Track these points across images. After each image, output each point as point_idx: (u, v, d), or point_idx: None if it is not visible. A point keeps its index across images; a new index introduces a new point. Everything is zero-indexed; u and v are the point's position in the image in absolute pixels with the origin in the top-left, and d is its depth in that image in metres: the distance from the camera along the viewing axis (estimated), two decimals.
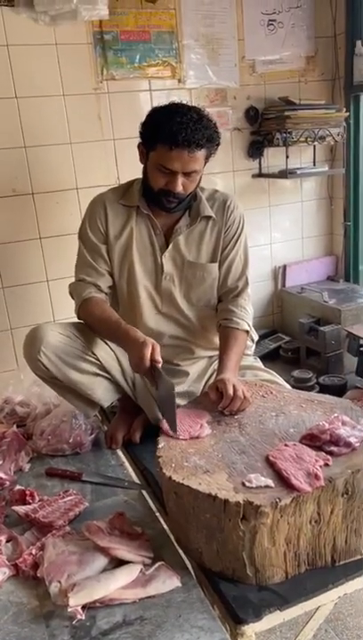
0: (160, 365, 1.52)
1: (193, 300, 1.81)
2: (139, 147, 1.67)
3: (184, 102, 1.64)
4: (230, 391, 1.47)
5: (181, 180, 1.59)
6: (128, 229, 1.74)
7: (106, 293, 1.80)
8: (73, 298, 1.80)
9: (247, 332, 1.77)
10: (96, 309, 1.72)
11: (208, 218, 1.75)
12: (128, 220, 1.74)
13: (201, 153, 1.57)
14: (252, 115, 2.89)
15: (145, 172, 1.69)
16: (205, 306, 1.82)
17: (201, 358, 1.89)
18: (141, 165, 1.70)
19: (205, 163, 1.64)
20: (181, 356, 1.86)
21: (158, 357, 1.51)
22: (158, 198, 1.65)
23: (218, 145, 1.63)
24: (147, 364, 1.49)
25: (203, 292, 1.80)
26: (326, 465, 1.20)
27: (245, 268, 1.83)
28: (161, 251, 1.76)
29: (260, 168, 2.99)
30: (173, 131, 1.51)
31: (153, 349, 1.51)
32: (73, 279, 1.82)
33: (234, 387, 1.48)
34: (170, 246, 1.75)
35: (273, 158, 2.99)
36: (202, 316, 1.84)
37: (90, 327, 1.76)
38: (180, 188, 1.60)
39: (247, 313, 1.78)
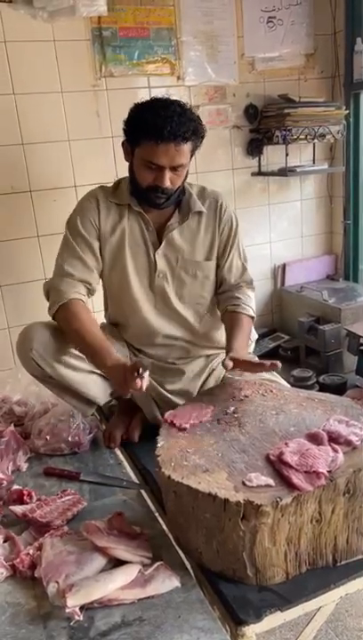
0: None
1: (185, 299, 1.80)
2: (123, 145, 1.66)
3: (166, 97, 1.62)
4: (247, 358, 1.55)
5: (168, 175, 1.57)
6: (121, 227, 1.72)
7: (91, 294, 1.73)
8: (48, 296, 1.70)
9: (253, 318, 1.77)
10: (75, 319, 1.61)
11: (199, 213, 1.75)
12: (120, 218, 1.72)
13: (187, 146, 1.56)
14: (251, 112, 2.87)
15: (131, 169, 1.67)
16: (197, 303, 1.82)
17: (197, 357, 1.87)
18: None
19: (191, 156, 1.62)
20: (175, 355, 1.85)
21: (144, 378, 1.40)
22: (147, 195, 1.64)
23: (203, 137, 1.62)
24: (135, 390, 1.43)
25: (194, 289, 1.79)
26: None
27: (245, 265, 1.84)
28: (154, 248, 1.74)
29: (259, 166, 2.98)
30: (158, 125, 1.50)
31: (133, 377, 1.39)
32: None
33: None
34: (163, 243, 1.73)
35: (273, 156, 2.97)
36: (197, 314, 1.83)
37: (65, 334, 1.65)
38: (168, 183, 1.58)
39: (252, 301, 1.78)
